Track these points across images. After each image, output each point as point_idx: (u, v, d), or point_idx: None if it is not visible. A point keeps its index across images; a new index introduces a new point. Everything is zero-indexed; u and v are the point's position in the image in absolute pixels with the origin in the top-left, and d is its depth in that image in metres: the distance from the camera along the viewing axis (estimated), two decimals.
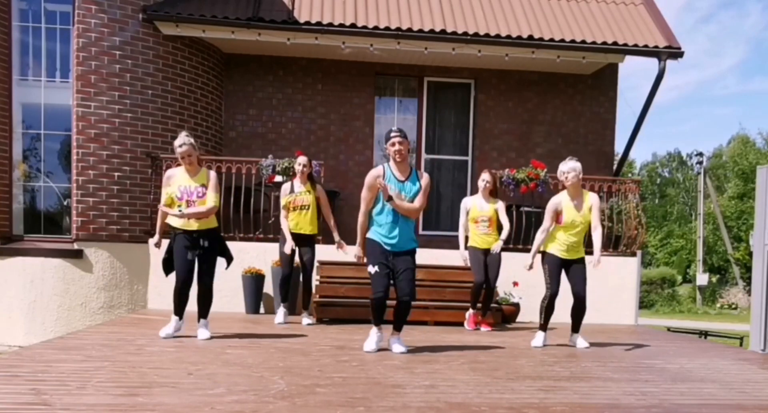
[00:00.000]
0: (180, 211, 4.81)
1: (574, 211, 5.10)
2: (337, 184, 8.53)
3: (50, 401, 2.91)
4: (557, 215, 5.17)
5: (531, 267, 5.22)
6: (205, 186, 4.89)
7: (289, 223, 6.15)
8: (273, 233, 7.58)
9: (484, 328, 6.34)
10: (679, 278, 32.37)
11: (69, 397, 3.00)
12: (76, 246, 7.52)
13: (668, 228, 40.60)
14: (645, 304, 25.40)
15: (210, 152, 8.48)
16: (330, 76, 9.08)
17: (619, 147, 9.76)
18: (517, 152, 9.32)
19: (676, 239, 38.65)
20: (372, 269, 4.56)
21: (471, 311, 6.38)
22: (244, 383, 3.45)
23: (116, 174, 7.64)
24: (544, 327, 5.34)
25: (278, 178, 7.43)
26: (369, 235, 4.65)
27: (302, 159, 6.22)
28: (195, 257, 4.92)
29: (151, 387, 3.28)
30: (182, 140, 4.84)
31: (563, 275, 5.22)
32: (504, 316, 6.93)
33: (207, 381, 3.46)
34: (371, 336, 4.79)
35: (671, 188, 45.92)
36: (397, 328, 4.81)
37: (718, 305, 26.01)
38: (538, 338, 5.34)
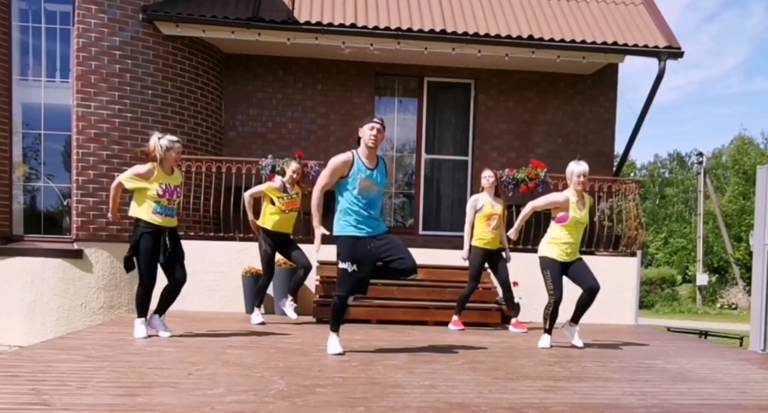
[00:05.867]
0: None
1: (578, 211, 5.09)
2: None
3: (50, 401, 2.91)
4: (560, 212, 5.09)
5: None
6: (179, 187, 5.07)
7: (271, 220, 6.13)
8: None
9: (518, 329, 6.32)
10: (679, 278, 32.37)
11: (69, 397, 3.00)
12: (76, 246, 7.52)
13: (668, 228, 40.61)
14: (645, 304, 25.39)
15: (210, 152, 8.48)
16: (330, 76, 9.08)
17: (619, 147, 9.78)
18: (517, 152, 9.32)
19: (677, 239, 38.66)
20: (347, 266, 4.33)
21: (456, 317, 6.36)
22: (244, 383, 3.45)
23: (116, 174, 7.56)
24: (549, 331, 5.30)
25: (278, 178, 7.42)
26: (339, 232, 4.43)
27: (296, 166, 6.31)
28: (165, 258, 4.96)
29: (151, 387, 3.28)
30: (175, 137, 5.06)
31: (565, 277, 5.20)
32: (504, 316, 6.92)
33: (207, 381, 3.46)
34: (334, 340, 4.59)
35: (670, 188, 45.90)
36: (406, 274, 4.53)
37: (718, 305, 25.99)
38: (545, 340, 5.30)
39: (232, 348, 4.68)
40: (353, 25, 8.04)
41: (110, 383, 3.35)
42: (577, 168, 5.10)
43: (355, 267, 4.35)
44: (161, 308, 5.15)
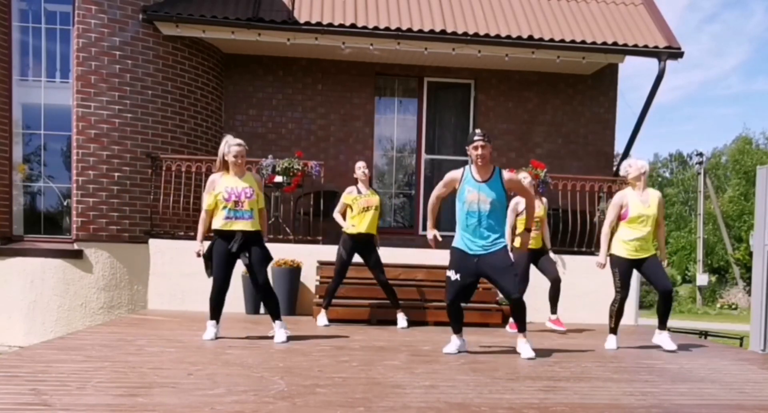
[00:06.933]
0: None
1: (641, 205, 5.07)
2: (337, 184, 8.50)
3: (50, 401, 2.91)
4: (621, 209, 5.11)
5: (603, 266, 5.19)
6: (252, 187, 4.99)
7: (350, 223, 6.20)
8: (273, 233, 7.59)
9: (559, 327, 6.26)
10: (679, 278, 32.38)
11: (69, 397, 3.00)
12: (76, 246, 7.52)
13: (668, 228, 40.59)
14: (645, 304, 25.38)
15: (210, 152, 8.46)
16: (330, 77, 9.08)
17: (619, 147, 9.78)
18: (517, 152, 9.32)
19: (676, 239, 38.66)
20: (451, 274, 4.59)
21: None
22: (244, 383, 3.45)
23: (116, 174, 7.64)
24: (614, 330, 5.32)
25: (278, 178, 7.43)
26: (453, 243, 4.66)
27: (361, 163, 6.33)
28: (233, 261, 4.99)
29: (151, 388, 3.28)
30: (237, 140, 4.99)
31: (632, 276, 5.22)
32: (504, 316, 6.92)
33: (207, 382, 3.46)
34: (452, 341, 4.83)
35: (670, 188, 45.92)
36: (521, 329, 4.75)
37: (718, 305, 26.02)
38: (611, 341, 5.31)
39: (232, 348, 4.68)
40: (353, 26, 8.04)
41: (110, 383, 3.35)
42: (635, 163, 5.13)
43: (457, 276, 4.56)
44: (270, 314, 5.15)
